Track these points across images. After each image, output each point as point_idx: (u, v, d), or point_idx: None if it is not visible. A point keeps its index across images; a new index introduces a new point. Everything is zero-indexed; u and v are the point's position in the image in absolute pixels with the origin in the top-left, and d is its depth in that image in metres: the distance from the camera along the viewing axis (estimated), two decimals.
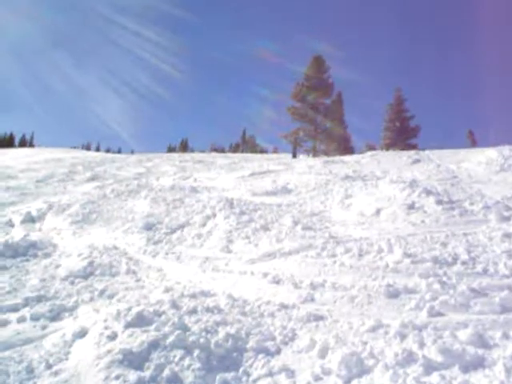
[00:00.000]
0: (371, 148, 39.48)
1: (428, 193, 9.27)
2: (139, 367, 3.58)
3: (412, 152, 20.22)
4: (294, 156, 32.79)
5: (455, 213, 8.03)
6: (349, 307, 4.80)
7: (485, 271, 5.35)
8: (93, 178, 18.11)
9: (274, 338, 4.17)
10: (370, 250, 6.45)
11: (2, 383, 3.43)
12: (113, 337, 4.05)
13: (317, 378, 3.45)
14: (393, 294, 4.94)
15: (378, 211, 8.70)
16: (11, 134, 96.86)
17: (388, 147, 39.88)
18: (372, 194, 10.05)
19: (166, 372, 3.52)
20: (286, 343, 4.10)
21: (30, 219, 10.63)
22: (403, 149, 29.59)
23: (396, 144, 43.63)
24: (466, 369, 3.35)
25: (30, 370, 3.65)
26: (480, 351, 3.55)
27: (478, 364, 3.41)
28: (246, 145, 76.10)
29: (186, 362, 3.67)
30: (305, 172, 15.19)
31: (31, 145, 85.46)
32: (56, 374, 3.60)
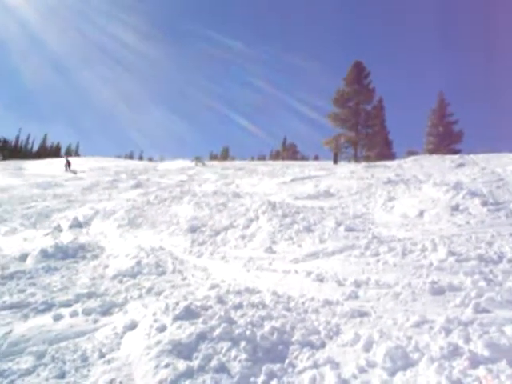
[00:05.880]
0: (413, 154, 38.97)
1: (473, 195, 9.15)
2: (188, 357, 3.69)
3: (456, 156, 19.96)
4: (335, 162, 32.61)
5: (501, 214, 7.92)
6: (393, 304, 4.80)
7: None
8: (136, 186, 18.58)
9: (318, 333, 4.22)
10: (413, 249, 6.44)
11: (58, 370, 3.60)
12: (162, 329, 4.19)
13: (362, 370, 3.47)
14: (437, 291, 4.92)
15: (421, 213, 8.65)
16: (58, 144, 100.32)
17: (431, 153, 39.22)
18: (415, 197, 9.98)
19: (214, 362, 3.61)
20: (330, 337, 4.13)
21: (77, 224, 11.03)
22: (446, 154, 29.10)
23: (439, 149, 42.97)
24: None
25: (85, 359, 3.83)
26: None
27: None
28: (287, 152, 76.22)
29: (233, 353, 3.76)
30: (346, 176, 15.17)
31: (77, 154, 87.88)
32: (109, 362, 3.76)
